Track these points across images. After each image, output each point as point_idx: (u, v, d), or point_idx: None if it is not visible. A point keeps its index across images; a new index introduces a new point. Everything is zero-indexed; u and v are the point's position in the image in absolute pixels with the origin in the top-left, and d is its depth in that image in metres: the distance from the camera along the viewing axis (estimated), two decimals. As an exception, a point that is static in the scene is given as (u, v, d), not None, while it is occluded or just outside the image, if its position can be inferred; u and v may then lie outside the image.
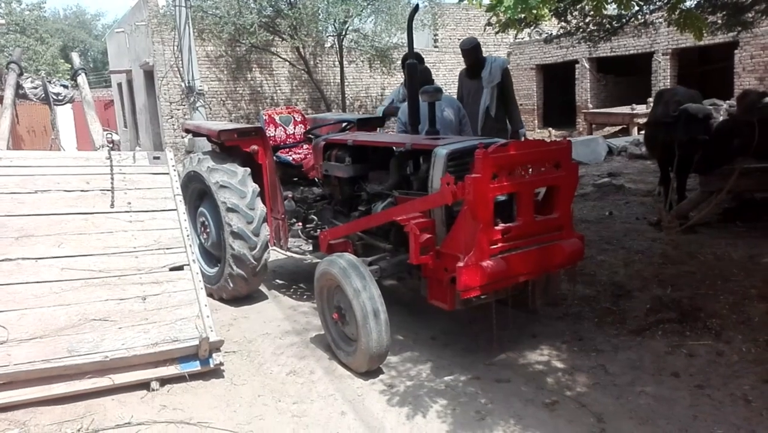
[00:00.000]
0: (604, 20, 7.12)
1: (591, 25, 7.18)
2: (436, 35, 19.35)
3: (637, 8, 6.52)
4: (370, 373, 3.63)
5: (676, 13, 4.20)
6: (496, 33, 5.87)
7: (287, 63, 16.33)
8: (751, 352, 3.61)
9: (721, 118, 10.31)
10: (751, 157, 5.50)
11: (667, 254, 5.31)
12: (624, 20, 7.13)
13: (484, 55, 6.13)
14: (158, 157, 4.87)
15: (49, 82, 7.00)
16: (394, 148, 4.21)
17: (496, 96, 5.85)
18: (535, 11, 2.67)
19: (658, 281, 4.66)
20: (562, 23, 7.10)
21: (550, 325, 4.20)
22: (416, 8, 4.69)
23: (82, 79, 6.57)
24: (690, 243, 5.50)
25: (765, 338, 3.71)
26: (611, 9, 4.90)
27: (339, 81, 16.36)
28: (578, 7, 5.97)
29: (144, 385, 3.52)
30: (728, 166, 5.65)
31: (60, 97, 6.90)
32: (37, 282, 3.80)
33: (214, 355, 3.69)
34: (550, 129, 17.61)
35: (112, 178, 4.53)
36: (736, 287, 4.42)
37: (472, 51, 5.98)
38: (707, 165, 5.74)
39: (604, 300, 4.48)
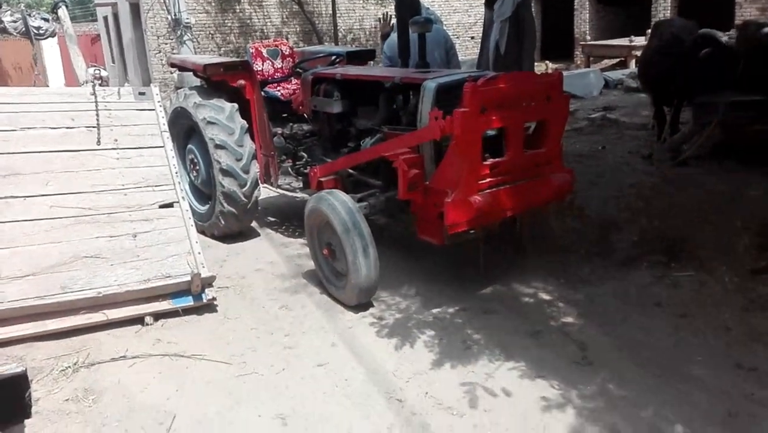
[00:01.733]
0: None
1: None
2: (430, -36, 18.67)
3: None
4: (360, 306, 3.70)
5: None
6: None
7: (277, -6, 15.83)
8: (733, 282, 3.68)
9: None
10: (742, 89, 5.42)
11: (657, 187, 5.33)
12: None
13: None
14: (144, 93, 4.79)
15: (29, 15, 6.76)
16: (383, 82, 4.14)
17: (507, 31, 5.32)
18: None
19: (646, 214, 4.69)
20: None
21: (538, 258, 4.25)
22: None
23: (63, 11, 6.36)
24: (680, 176, 5.51)
25: (747, 268, 3.78)
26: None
27: (331, 13, 15.90)
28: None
29: (138, 320, 3.58)
30: (718, 100, 5.59)
31: (41, 31, 6.70)
32: (27, 220, 3.81)
33: (206, 290, 3.75)
34: (547, 62, 17.27)
35: (98, 115, 4.47)
36: (722, 219, 4.46)
37: None
38: (687, 92, 5.65)
39: (592, 233, 4.51)
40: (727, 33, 12.38)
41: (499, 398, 2.81)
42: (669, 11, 14.83)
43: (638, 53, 13.35)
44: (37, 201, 3.92)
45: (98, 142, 4.35)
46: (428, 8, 5.82)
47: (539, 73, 3.98)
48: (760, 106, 5.75)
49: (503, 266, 4.14)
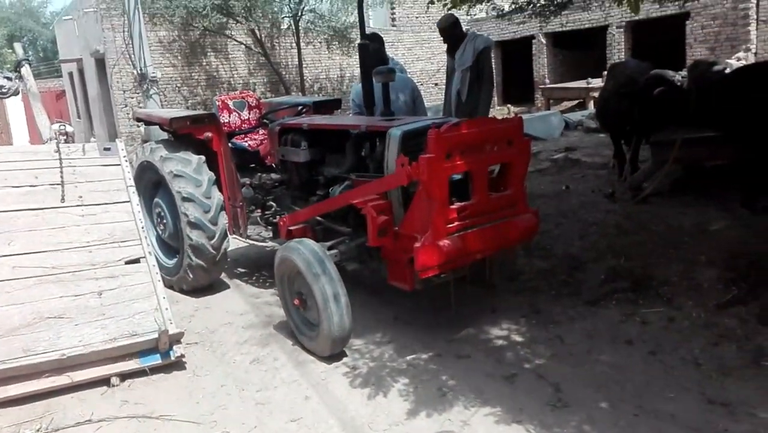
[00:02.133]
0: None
1: (541, 0, 7.22)
2: (393, 13, 19.22)
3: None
4: (334, 356, 3.65)
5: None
6: (448, 9, 5.82)
7: (243, 46, 16.05)
8: (701, 317, 3.74)
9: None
10: (696, 125, 5.62)
11: (620, 225, 5.42)
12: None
13: (465, 32, 5.71)
14: (109, 149, 4.77)
15: (-8, 74, 6.75)
16: (349, 130, 4.20)
17: (468, 80, 5.42)
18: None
19: (612, 251, 4.77)
20: (514, -1, 7.11)
21: (508, 299, 4.28)
22: (366, -12, 4.65)
23: (26, 70, 6.35)
24: (642, 213, 5.63)
25: (714, 303, 3.85)
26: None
27: (297, 63, 16.16)
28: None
29: (104, 381, 3.48)
30: (676, 137, 5.78)
31: (4, 90, 6.66)
32: (-12, 282, 3.71)
33: (174, 347, 3.66)
34: (509, 106, 17.74)
35: (62, 172, 4.43)
36: (686, 254, 4.56)
37: (447, 29, 5.60)
38: (644, 131, 5.85)
39: (560, 272, 4.57)
40: (679, 72, 12.96)
41: (477, 445, 2.78)
42: (623, 53, 15.45)
43: (596, 94, 13.80)
44: (-1, 262, 3.83)
45: (62, 200, 4.29)
46: (392, 58, 5.96)
47: (501, 117, 4.08)
48: (713, 143, 5.97)
49: (475, 308, 4.15)
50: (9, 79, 6.71)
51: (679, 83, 5.93)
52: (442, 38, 5.83)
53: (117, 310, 3.73)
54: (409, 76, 6.07)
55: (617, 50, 15.70)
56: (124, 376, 3.52)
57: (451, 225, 3.43)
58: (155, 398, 3.34)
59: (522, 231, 3.69)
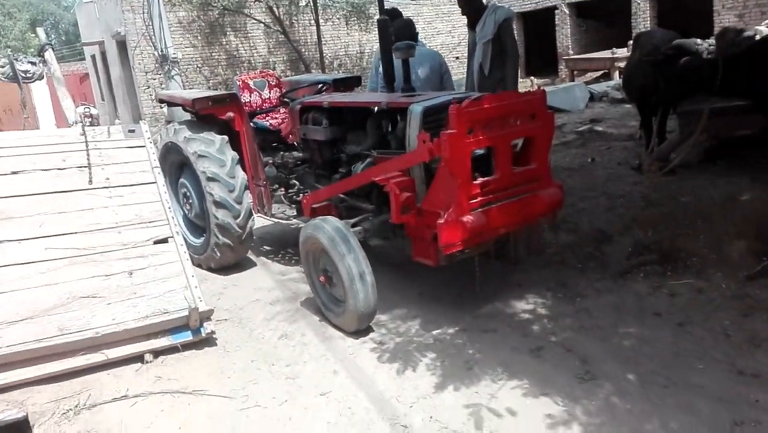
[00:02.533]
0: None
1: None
2: (412, -12, 18.96)
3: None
4: (360, 332, 3.69)
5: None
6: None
7: (262, 25, 16.00)
8: (730, 288, 3.69)
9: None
10: (724, 95, 5.49)
11: (648, 197, 5.36)
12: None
13: (486, 3, 5.59)
14: (133, 130, 4.83)
15: (17, 60, 6.83)
16: (370, 107, 4.18)
17: (491, 53, 5.32)
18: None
19: (639, 224, 4.72)
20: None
21: (534, 274, 4.26)
22: (385, -39, 4.58)
23: (49, 54, 6.43)
24: (670, 185, 5.55)
25: (743, 274, 3.79)
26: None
27: (316, 40, 16.08)
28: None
29: (138, 358, 3.56)
30: (703, 107, 5.66)
31: (29, 75, 6.75)
32: (22, 264, 3.81)
33: (205, 324, 3.73)
34: (532, 78, 17.46)
35: (88, 155, 4.50)
36: (715, 226, 4.48)
37: (464, 1, 5.53)
38: (669, 99, 5.70)
39: (586, 246, 4.54)
40: (707, 40, 12.62)
41: (505, 418, 2.80)
42: (649, 22, 15.08)
43: (621, 65, 13.55)
44: (32, 243, 3.92)
45: (90, 182, 4.36)
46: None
47: (524, 90, 4.02)
48: (742, 112, 5.83)
49: (500, 283, 4.15)
50: (33, 64, 6.79)
51: (705, 51, 5.77)
52: (461, 10, 5.74)
53: (147, 289, 3.81)
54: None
55: (642, 20, 15.32)
56: (156, 353, 3.60)
57: (474, 201, 3.41)
58: (188, 374, 3.42)
59: (547, 205, 3.65)
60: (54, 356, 3.43)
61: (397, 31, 4.81)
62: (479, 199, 3.43)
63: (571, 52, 17.33)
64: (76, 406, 3.16)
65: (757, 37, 6.18)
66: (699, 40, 6.97)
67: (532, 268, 4.35)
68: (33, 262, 3.84)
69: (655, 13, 15.35)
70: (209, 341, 3.75)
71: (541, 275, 4.23)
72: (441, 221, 3.29)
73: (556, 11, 17.49)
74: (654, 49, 6.04)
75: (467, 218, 3.30)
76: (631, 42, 9.77)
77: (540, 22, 18.64)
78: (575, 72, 16.13)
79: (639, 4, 15.39)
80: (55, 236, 4.00)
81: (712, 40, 6.36)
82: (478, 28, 5.44)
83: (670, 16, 15.72)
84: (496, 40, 5.30)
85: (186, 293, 3.79)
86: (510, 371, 3.15)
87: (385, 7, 4.63)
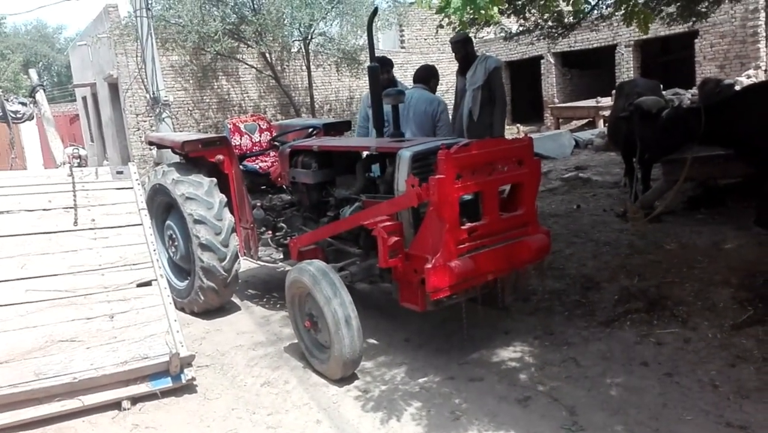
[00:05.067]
0: (563, 16, 7.20)
1: (549, 21, 7.26)
2: (402, 35, 19.39)
3: (589, 6, 6.58)
4: (345, 379, 3.62)
5: (622, 8, 4.29)
6: (456, 30, 5.86)
7: (254, 69, 16.22)
8: (716, 337, 3.69)
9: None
10: (708, 144, 5.58)
11: (633, 244, 5.39)
12: (581, 16, 7.22)
13: (477, 53, 5.79)
14: (122, 172, 4.81)
15: (7, 100, 6.85)
16: (359, 152, 4.22)
17: (480, 99, 5.48)
18: (483, 11, 2.67)
19: (625, 271, 4.73)
20: (521, 20, 7.15)
21: (521, 320, 4.24)
22: (375, 11, 4.70)
23: (40, 95, 6.45)
24: (655, 232, 5.59)
25: (729, 323, 3.79)
26: (564, 5, 4.94)
27: (307, 85, 16.30)
28: (533, 3, 5.98)
29: (115, 405, 3.47)
30: (686, 155, 5.74)
31: (19, 115, 6.77)
32: (2, 306, 3.73)
33: (185, 370, 3.65)
34: (518, 125, 17.77)
35: (75, 195, 4.47)
36: (700, 274, 4.51)
37: (459, 45, 5.66)
38: (655, 153, 5.77)
39: (573, 293, 4.53)
40: (689, 90, 12.94)
41: (491, 469, 2.74)
42: (632, 72, 15.47)
43: (605, 113, 13.84)
44: (13, 285, 3.86)
45: (75, 223, 4.32)
46: (400, 82, 6.01)
47: (510, 138, 4.08)
48: (724, 160, 5.94)
49: (487, 330, 4.11)
50: (24, 104, 6.82)
51: (682, 101, 5.91)
52: (454, 55, 5.86)
53: (128, 333, 3.73)
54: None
55: (626, 69, 15.72)
56: (135, 399, 3.51)
57: (461, 246, 3.41)
58: (166, 422, 3.33)
59: (534, 251, 3.66)
60: (29, 401, 3.33)
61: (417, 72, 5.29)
62: (467, 244, 3.43)
63: (556, 100, 17.70)
64: (49, 455, 3.05)
65: (737, 87, 6.35)
66: (681, 90, 7.11)
67: (519, 314, 4.32)
68: (13, 304, 3.76)
69: (638, 63, 15.77)
70: (189, 388, 3.66)
71: (528, 322, 4.20)
72: (429, 265, 3.27)
73: (542, 61, 17.93)
74: (627, 105, 6.17)
75: (455, 263, 3.29)
76: (614, 91, 9.99)
77: (526, 71, 19.08)
78: (560, 120, 16.44)
79: (623, 54, 15.82)
80: (37, 277, 3.94)
81: (694, 90, 6.52)
82: (469, 74, 5.59)
83: (653, 65, 16.17)
84: (485, 87, 5.46)
85: (167, 337, 3.72)
86: (497, 422, 3.09)
87: (376, 56, 4.72)
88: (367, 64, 4.61)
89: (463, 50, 5.70)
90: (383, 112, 4.46)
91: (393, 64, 5.57)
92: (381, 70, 5.09)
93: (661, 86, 7.28)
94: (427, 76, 5.28)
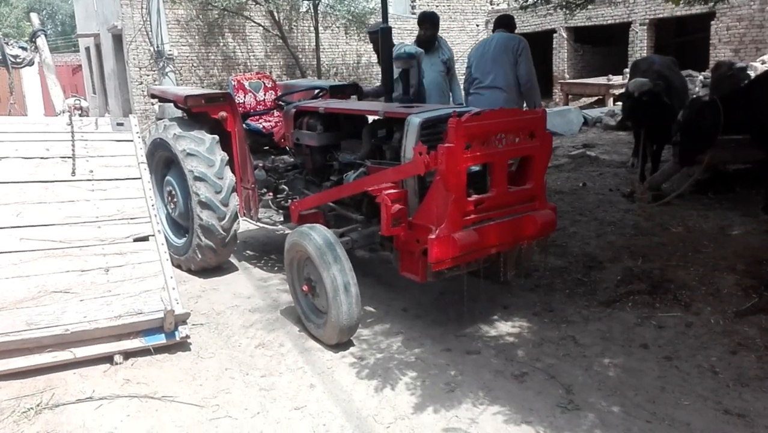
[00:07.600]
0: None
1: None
2: (413, 1, 19.01)
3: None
4: (340, 345, 3.58)
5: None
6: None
7: (261, 28, 15.94)
8: (719, 324, 3.64)
9: (696, 89, 10.35)
10: (725, 132, 5.47)
11: (639, 225, 5.32)
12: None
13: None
14: (122, 124, 4.71)
15: (7, 44, 6.68)
16: (366, 116, 4.11)
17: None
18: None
19: (629, 252, 4.67)
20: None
21: (521, 296, 4.19)
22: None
23: (41, 41, 6.28)
24: (662, 214, 5.52)
25: (733, 310, 3.74)
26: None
27: (314, 47, 16.04)
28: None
29: (107, 358, 3.43)
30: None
31: (18, 60, 6.61)
32: (-6, 253, 3.67)
33: (180, 328, 3.60)
34: (527, 99, 17.51)
35: (74, 145, 4.37)
36: (706, 258, 4.45)
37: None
38: (688, 155, 5.58)
39: (575, 271, 4.47)
40: (702, 72, 12.72)
41: (484, 444, 2.70)
42: (646, 51, 15.20)
43: (616, 92, 13.64)
44: (7, 233, 3.79)
45: (73, 173, 4.23)
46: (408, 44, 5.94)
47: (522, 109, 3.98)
48: (737, 145, 5.84)
49: (486, 304, 4.06)
50: (24, 49, 6.65)
51: (700, 84, 5.78)
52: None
53: (123, 287, 3.68)
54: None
55: (639, 48, 15.46)
56: (127, 354, 3.47)
57: (467, 217, 3.33)
58: (158, 379, 3.29)
59: (540, 227, 3.58)
60: (20, 351, 3.29)
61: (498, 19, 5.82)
62: (472, 216, 3.35)
63: (566, 75, 17.43)
64: (38, 405, 3.02)
65: (750, 72, 6.21)
66: (695, 72, 6.96)
67: (520, 290, 4.27)
68: (6, 252, 3.70)
69: (652, 42, 15.50)
70: (183, 346, 3.62)
71: (528, 298, 4.15)
72: (432, 236, 3.20)
73: (555, 34, 17.61)
74: (658, 75, 6.03)
75: (459, 235, 3.22)
76: (627, 70, 9.81)
77: (538, 45, 18.72)
78: (570, 96, 16.22)
79: (636, 32, 15.53)
80: (32, 226, 3.87)
81: (707, 72, 6.38)
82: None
83: (666, 45, 15.89)
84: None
85: (163, 294, 3.67)
86: (492, 396, 3.05)
87: (385, 20, 4.59)
88: (381, 26, 4.47)
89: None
90: (392, 75, 4.34)
91: (438, 20, 5.78)
92: (422, 27, 5.74)
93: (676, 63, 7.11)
94: (508, 22, 5.80)
